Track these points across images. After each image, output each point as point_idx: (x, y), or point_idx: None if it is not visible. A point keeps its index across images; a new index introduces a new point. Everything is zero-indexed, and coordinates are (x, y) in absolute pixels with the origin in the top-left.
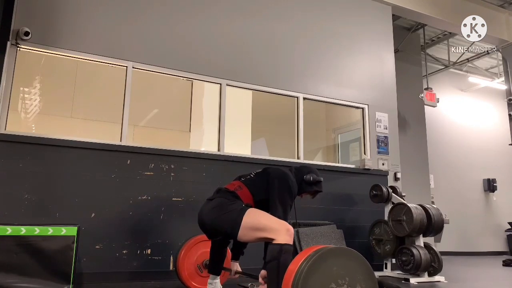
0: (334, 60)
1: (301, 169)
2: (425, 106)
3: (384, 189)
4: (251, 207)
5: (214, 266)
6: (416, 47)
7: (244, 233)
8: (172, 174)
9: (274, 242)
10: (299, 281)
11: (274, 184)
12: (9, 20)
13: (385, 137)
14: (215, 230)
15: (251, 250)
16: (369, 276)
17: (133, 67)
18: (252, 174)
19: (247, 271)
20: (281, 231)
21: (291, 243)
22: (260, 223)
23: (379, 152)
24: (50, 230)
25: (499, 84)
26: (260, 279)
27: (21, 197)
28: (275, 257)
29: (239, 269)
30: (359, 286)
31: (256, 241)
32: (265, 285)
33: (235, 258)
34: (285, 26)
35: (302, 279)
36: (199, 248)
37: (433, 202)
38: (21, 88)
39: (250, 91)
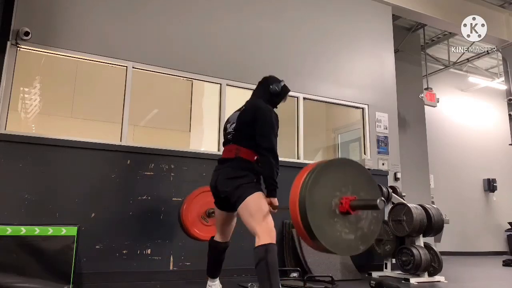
0: (334, 60)
1: (263, 88)
2: (425, 106)
3: (384, 189)
4: (259, 176)
5: (212, 270)
6: (416, 47)
7: (242, 209)
8: (172, 174)
9: (258, 244)
10: (306, 192)
11: (254, 123)
12: (9, 20)
13: (385, 137)
14: (227, 199)
15: (251, 249)
16: (370, 183)
17: (133, 67)
18: (231, 129)
19: (247, 271)
20: (266, 230)
21: (274, 242)
22: (256, 212)
23: (379, 152)
24: (50, 230)
25: (499, 84)
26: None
27: (21, 197)
28: (263, 257)
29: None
30: (362, 193)
31: (244, 222)
32: None
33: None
34: (285, 26)
35: (308, 190)
36: (202, 198)
37: (433, 202)
38: (21, 88)
39: (250, 91)
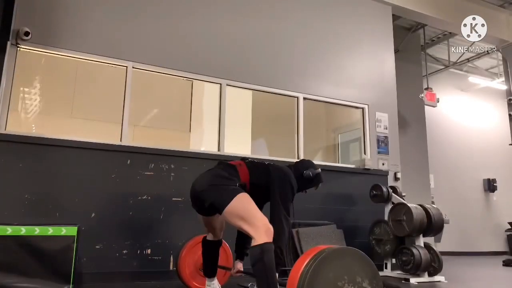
0: (334, 60)
1: (298, 167)
2: (425, 106)
3: (384, 189)
4: (245, 188)
5: (208, 268)
6: (416, 47)
7: (227, 214)
8: (172, 174)
9: (253, 244)
10: (304, 283)
11: (275, 183)
12: (9, 20)
13: (385, 137)
14: (202, 199)
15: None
16: (374, 275)
17: (133, 67)
18: (255, 160)
19: (249, 271)
20: (260, 229)
21: (271, 241)
22: (244, 213)
23: (379, 152)
24: (50, 230)
25: (499, 84)
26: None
27: (21, 197)
28: (259, 258)
29: (242, 269)
30: (359, 278)
31: (235, 227)
32: None
33: (239, 257)
34: (285, 26)
35: (307, 281)
36: (200, 248)
37: (433, 202)
38: (21, 88)
39: (250, 91)
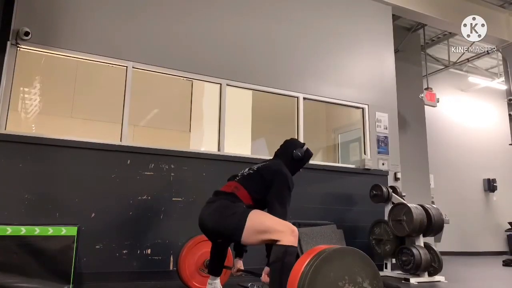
0: (334, 60)
1: (286, 151)
2: (425, 106)
3: (384, 189)
4: (251, 207)
5: (214, 267)
6: (416, 47)
7: (248, 236)
8: (172, 174)
9: (279, 243)
10: (305, 283)
11: (272, 184)
12: (9, 20)
13: (385, 137)
14: (218, 233)
15: (253, 249)
16: (374, 275)
17: (133, 67)
18: (245, 172)
19: (249, 270)
20: (286, 232)
21: (296, 244)
22: (265, 226)
23: (379, 152)
24: (50, 230)
25: (499, 84)
26: (264, 275)
27: (21, 197)
28: (280, 258)
29: (242, 267)
30: (359, 278)
31: (261, 243)
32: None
33: (238, 255)
34: (285, 26)
35: (308, 281)
36: (200, 248)
37: (433, 202)
38: (21, 88)
39: (250, 91)
